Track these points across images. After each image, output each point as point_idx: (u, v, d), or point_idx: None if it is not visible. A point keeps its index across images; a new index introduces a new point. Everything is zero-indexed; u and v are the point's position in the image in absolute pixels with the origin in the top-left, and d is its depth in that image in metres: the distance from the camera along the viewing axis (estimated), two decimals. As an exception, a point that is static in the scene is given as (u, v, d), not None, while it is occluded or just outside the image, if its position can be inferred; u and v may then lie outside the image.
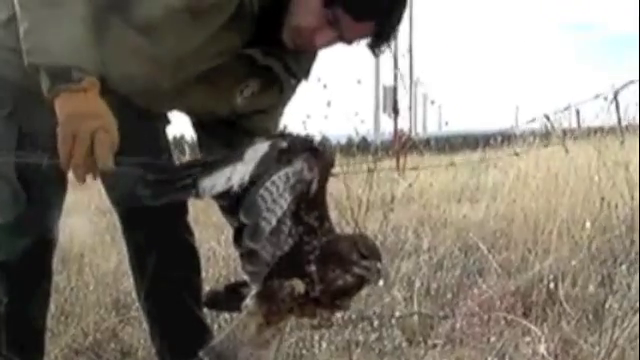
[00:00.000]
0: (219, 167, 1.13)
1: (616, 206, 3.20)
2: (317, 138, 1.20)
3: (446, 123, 9.27)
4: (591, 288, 2.54)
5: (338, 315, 2.11)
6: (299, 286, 1.14)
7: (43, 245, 1.53)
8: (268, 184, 1.11)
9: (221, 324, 2.15)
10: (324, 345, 2.15)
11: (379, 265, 1.15)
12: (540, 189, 3.81)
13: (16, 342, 1.56)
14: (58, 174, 1.46)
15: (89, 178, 1.24)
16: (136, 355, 2.24)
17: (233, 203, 1.14)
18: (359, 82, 5.27)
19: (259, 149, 1.14)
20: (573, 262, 2.68)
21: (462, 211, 4.07)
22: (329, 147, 1.19)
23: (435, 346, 2.21)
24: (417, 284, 2.65)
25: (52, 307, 1.99)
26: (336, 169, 1.13)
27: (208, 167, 1.14)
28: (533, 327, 2.19)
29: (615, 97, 2.86)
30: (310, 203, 1.16)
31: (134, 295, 1.91)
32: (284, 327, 1.26)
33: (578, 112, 3.83)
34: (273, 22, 1.38)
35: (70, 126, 1.19)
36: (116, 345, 2.31)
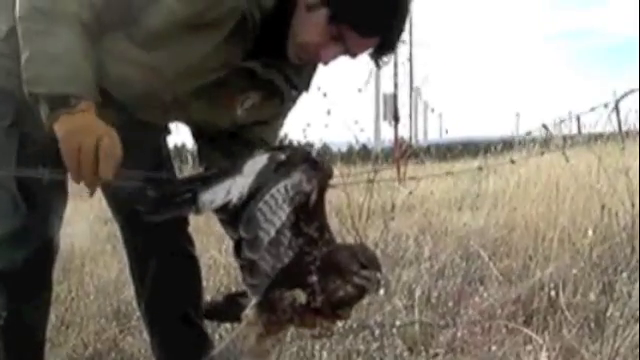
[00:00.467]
0: (218, 181, 1.14)
1: (616, 214, 3.20)
2: (317, 145, 1.21)
3: (446, 131, 9.29)
4: (592, 296, 2.53)
5: (339, 324, 2.10)
6: (300, 297, 1.15)
7: (44, 255, 1.53)
8: (267, 197, 1.12)
9: (222, 334, 2.15)
10: (325, 355, 2.14)
11: (379, 275, 1.15)
12: (541, 196, 3.81)
13: (16, 353, 1.56)
14: (58, 184, 1.47)
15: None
16: (137, 365, 2.23)
17: (232, 216, 1.15)
18: (360, 91, 5.29)
19: (258, 162, 1.15)
20: (574, 270, 2.67)
21: (463, 219, 4.07)
22: (327, 158, 1.20)
23: (436, 355, 2.21)
24: (418, 292, 2.64)
25: (52, 317, 1.99)
26: (336, 179, 1.13)
27: (207, 181, 1.14)
28: (534, 335, 2.19)
29: (616, 106, 2.87)
30: (310, 214, 1.16)
31: (135, 305, 1.91)
32: (284, 337, 1.26)
33: (579, 118, 3.84)
34: (274, 34, 1.39)
35: (73, 139, 1.23)
36: (117, 355, 2.31)
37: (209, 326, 1.94)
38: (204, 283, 1.85)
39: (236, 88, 1.47)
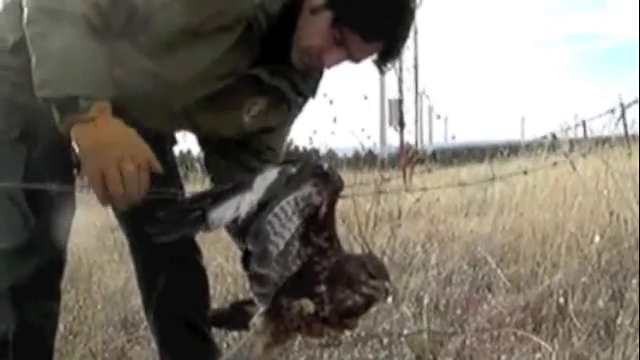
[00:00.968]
0: (228, 197, 1.13)
1: (625, 221, 3.18)
2: (323, 152, 1.20)
3: (453, 137, 9.30)
4: (601, 303, 2.51)
5: (347, 333, 2.09)
6: (309, 306, 1.14)
7: (53, 267, 1.53)
8: (277, 210, 1.11)
9: (229, 343, 2.14)
10: (333, 363, 2.14)
11: (387, 285, 1.15)
12: (548, 202, 3.79)
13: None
14: (67, 194, 1.47)
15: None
16: (144, 374, 2.23)
17: (240, 228, 1.14)
18: (365, 98, 5.31)
19: (268, 177, 1.13)
20: (583, 277, 2.66)
21: (470, 225, 4.06)
22: (333, 164, 1.19)
23: (445, 363, 2.20)
24: (426, 300, 2.63)
25: (60, 327, 1.98)
26: (345, 189, 1.13)
27: (217, 198, 1.13)
28: (544, 343, 2.17)
29: (623, 113, 2.86)
30: (319, 225, 1.15)
31: (142, 314, 1.91)
32: (291, 346, 1.25)
33: (585, 123, 3.83)
34: (280, 40, 1.39)
35: (94, 163, 1.22)
36: (124, 365, 2.31)
37: (217, 334, 1.93)
38: (211, 291, 1.85)
39: (243, 95, 1.47)
